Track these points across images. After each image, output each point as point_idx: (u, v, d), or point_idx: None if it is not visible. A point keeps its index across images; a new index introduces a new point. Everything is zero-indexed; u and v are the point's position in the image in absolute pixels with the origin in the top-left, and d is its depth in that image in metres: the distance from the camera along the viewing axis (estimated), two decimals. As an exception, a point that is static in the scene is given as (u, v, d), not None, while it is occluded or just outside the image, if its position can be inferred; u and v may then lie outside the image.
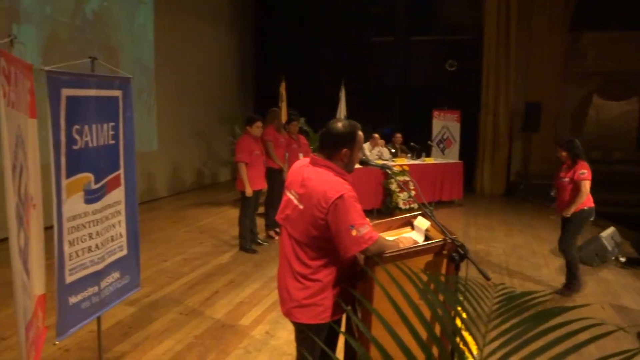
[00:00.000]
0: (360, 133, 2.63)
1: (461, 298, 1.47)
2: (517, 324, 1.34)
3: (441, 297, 1.64)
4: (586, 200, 5.42)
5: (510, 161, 12.51)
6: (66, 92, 2.84)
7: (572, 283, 5.62)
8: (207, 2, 12.21)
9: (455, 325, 1.41)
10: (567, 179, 5.45)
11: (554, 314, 1.31)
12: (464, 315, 1.47)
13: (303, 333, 2.66)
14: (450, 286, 1.64)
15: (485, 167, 12.36)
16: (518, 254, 7.16)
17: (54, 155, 2.79)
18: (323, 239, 2.49)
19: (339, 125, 2.58)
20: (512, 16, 11.85)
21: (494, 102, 12.18)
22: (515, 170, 12.56)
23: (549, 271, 6.40)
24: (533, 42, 12.16)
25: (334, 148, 2.57)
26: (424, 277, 1.64)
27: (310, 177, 2.55)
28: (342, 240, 2.41)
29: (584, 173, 5.33)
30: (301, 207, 2.53)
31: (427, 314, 1.44)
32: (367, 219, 2.47)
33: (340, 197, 2.40)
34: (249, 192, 6.49)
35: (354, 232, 2.37)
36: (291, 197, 2.64)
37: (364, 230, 2.40)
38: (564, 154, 5.49)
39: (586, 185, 5.33)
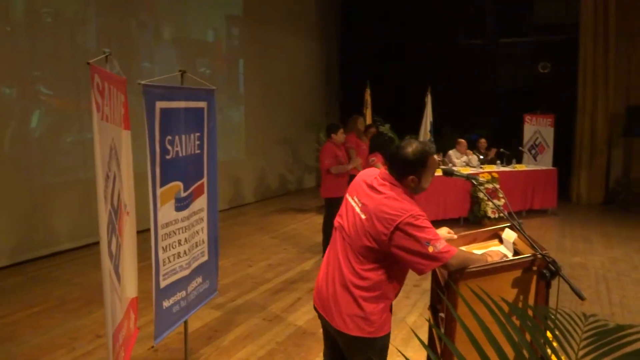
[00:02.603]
0: (433, 158, 2.50)
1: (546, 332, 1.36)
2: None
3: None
4: None
5: (610, 168, 11.71)
6: (160, 104, 2.96)
7: None
8: (293, 12, 12.43)
9: (545, 353, 1.30)
10: None
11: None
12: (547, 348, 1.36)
13: (347, 344, 2.57)
14: (535, 319, 1.51)
15: (582, 175, 11.66)
16: (617, 268, 6.69)
17: (150, 165, 2.92)
18: (377, 252, 2.41)
19: (409, 150, 2.47)
20: (610, 14, 11.11)
21: (591, 106, 11.48)
22: (615, 178, 11.73)
23: (653, 287, 5.94)
24: (634, 40, 11.32)
25: (401, 174, 2.49)
26: (504, 304, 1.54)
27: (379, 190, 2.48)
28: (419, 259, 2.32)
29: None
30: (363, 216, 2.47)
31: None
32: (440, 235, 2.39)
33: (411, 216, 2.33)
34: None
35: (430, 249, 2.30)
36: (353, 203, 2.58)
37: (441, 245, 2.31)
38: None
39: None
